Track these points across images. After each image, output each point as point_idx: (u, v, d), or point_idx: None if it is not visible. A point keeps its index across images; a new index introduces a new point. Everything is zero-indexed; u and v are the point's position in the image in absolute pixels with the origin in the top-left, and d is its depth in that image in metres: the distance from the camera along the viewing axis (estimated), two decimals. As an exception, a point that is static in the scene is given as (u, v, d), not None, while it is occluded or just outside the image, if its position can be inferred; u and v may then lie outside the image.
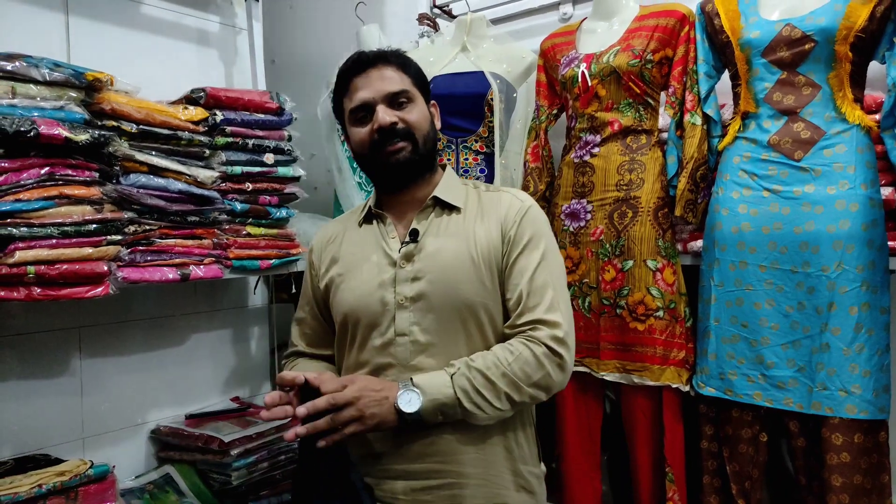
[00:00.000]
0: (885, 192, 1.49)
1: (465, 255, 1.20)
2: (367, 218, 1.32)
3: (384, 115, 1.20)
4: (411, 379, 1.12)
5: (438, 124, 1.32)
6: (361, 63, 1.24)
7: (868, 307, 1.43)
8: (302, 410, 1.07)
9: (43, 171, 1.32)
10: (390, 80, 1.23)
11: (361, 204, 1.38)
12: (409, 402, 1.10)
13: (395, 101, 1.22)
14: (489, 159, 1.96)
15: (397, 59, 1.26)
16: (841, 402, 1.42)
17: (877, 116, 1.48)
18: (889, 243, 1.47)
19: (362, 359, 1.23)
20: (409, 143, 1.22)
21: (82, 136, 1.34)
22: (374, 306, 1.20)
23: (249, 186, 1.73)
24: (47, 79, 1.33)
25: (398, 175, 1.24)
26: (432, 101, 1.32)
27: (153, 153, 1.52)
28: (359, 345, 1.24)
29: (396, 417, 1.10)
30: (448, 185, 1.28)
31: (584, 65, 1.77)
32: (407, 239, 1.23)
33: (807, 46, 1.48)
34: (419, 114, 1.24)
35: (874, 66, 1.51)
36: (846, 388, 1.42)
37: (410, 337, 1.18)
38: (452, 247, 1.21)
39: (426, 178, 1.28)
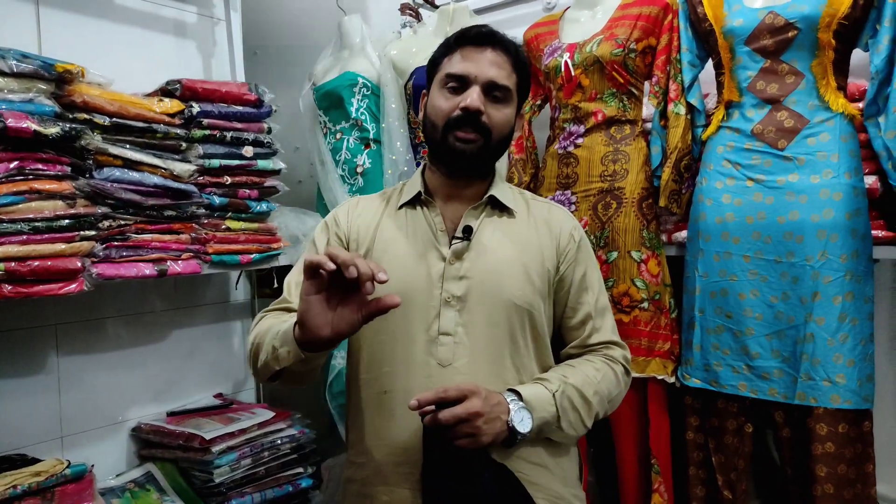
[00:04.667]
0: (869, 180, 1.48)
1: (517, 260, 1.16)
2: (411, 203, 1.23)
3: (476, 98, 1.12)
4: (519, 395, 1.07)
5: (517, 134, 1.27)
6: (483, 36, 1.16)
7: (852, 296, 1.42)
8: (413, 403, 0.98)
9: (12, 166, 1.29)
10: (500, 70, 1.15)
11: (397, 185, 1.31)
12: (522, 422, 1.04)
13: (493, 92, 1.15)
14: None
15: (516, 55, 1.18)
16: (825, 392, 1.42)
17: (860, 104, 1.48)
18: (873, 232, 1.47)
19: (395, 353, 1.14)
20: (481, 138, 1.14)
21: (52, 130, 1.31)
22: (419, 300, 1.13)
23: (228, 180, 1.70)
24: (14, 70, 1.29)
25: (458, 162, 1.17)
26: (521, 112, 1.25)
27: (127, 146, 1.49)
28: (393, 338, 1.15)
29: (508, 437, 1.04)
30: (501, 185, 1.24)
31: (568, 54, 1.75)
32: (459, 234, 1.16)
33: (790, 34, 1.46)
34: (505, 118, 1.17)
35: (857, 54, 1.50)
36: (830, 378, 1.41)
37: (455, 337, 1.12)
38: (506, 250, 1.17)
39: (483, 177, 1.23)
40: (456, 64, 1.15)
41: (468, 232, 1.16)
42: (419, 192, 1.22)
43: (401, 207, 1.23)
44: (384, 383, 1.14)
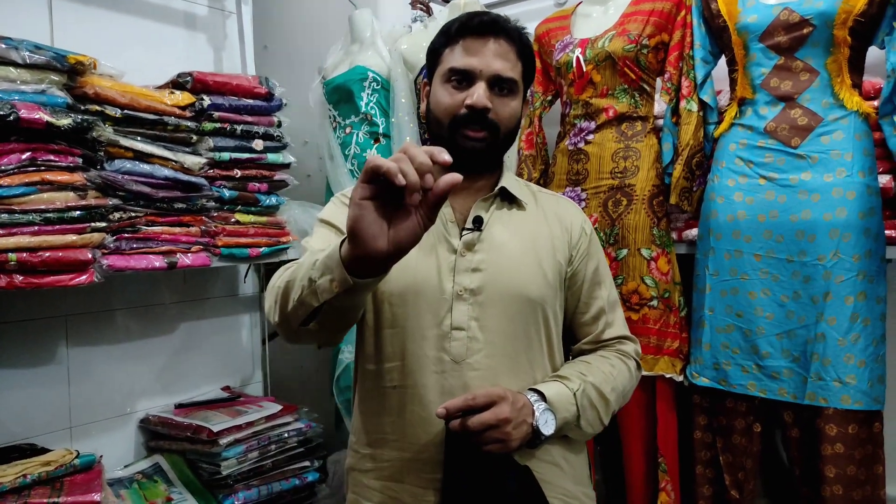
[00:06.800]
0: (883, 179, 1.46)
1: (529, 252, 1.13)
2: None
3: (482, 96, 1.08)
4: (542, 395, 1.04)
5: (525, 121, 1.22)
6: (484, 25, 1.10)
7: (864, 297, 1.41)
8: (441, 411, 0.96)
9: (24, 157, 1.29)
10: (505, 61, 1.10)
11: None
12: (546, 424, 1.02)
13: (498, 85, 1.10)
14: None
15: (521, 41, 1.13)
16: (836, 392, 1.41)
17: (875, 103, 1.46)
18: (886, 232, 1.45)
19: (406, 348, 1.09)
20: (489, 135, 1.10)
21: (64, 121, 1.32)
22: (430, 293, 1.08)
23: (238, 173, 1.70)
24: (27, 61, 1.30)
25: (466, 160, 1.11)
26: (527, 98, 1.21)
27: (138, 139, 1.50)
28: (403, 331, 1.10)
29: (532, 439, 1.02)
30: (510, 177, 1.21)
31: (579, 50, 1.74)
32: (469, 226, 1.12)
33: (805, 31, 1.45)
34: (512, 110, 1.13)
35: (873, 52, 1.49)
36: (841, 379, 1.40)
37: (468, 332, 1.07)
38: (517, 241, 1.13)
39: (492, 170, 1.19)
40: (459, 57, 1.10)
41: (479, 222, 1.12)
42: None
43: None
44: (394, 377, 1.10)
